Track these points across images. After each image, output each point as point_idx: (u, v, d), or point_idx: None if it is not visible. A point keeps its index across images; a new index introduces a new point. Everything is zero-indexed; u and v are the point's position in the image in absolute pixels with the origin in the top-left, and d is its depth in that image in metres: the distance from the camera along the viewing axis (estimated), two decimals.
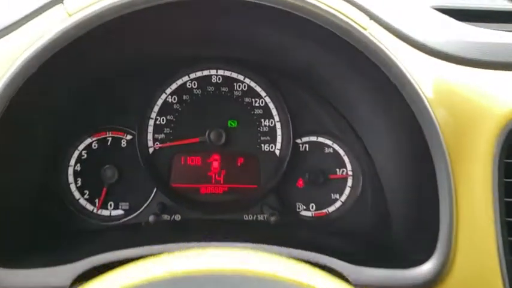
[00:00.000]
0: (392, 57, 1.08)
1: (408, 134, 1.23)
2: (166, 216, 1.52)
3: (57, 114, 1.38)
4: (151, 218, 1.34)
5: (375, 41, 1.06)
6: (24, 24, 1.07)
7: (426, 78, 1.16)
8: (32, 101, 1.16)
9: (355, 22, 1.05)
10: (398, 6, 1.36)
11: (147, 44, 1.35)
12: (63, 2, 1.07)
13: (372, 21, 1.12)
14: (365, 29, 1.06)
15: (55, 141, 1.45)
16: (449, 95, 1.19)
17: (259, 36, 1.35)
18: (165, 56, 1.52)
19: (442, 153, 1.13)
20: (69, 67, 1.19)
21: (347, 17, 1.04)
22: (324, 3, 1.03)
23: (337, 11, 1.02)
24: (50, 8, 1.05)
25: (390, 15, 1.20)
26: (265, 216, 1.50)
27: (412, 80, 1.09)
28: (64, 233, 1.47)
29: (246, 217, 1.55)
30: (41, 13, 1.06)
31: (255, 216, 1.55)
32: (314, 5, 1.02)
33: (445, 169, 1.13)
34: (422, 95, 1.11)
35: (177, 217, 1.53)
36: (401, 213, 1.37)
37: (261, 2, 1.04)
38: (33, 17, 1.06)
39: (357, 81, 1.29)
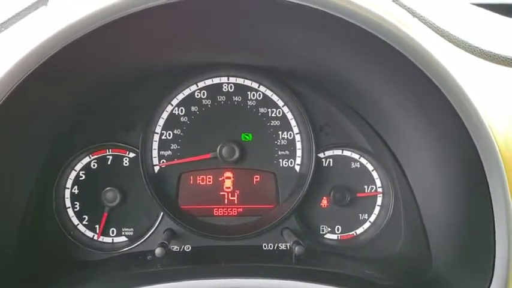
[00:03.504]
0: (438, 59, 0.91)
1: (455, 145, 1.06)
2: (175, 248, 1.35)
3: (52, 129, 1.22)
4: (158, 251, 1.17)
5: (419, 41, 0.89)
6: (9, 26, 0.91)
7: (475, 82, 1.00)
8: (22, 112, 1.01)
9: (397, 20, 0.87)
10: (438, 3, 1.19)
11: (151, 51, 1.18)
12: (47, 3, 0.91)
13: (415, 19, 0.95)
14: (408, 28, 0.89)
15: (49, 160, 1.28)
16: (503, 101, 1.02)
17: (278, 39, 1.17)
18: (170, 63, 1.35)
19: (499, 171, 0.97)
20: (63, 74, 1.03)
21: (389, 15, 0.86)
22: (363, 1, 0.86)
23: (378, 8, 0.85)
24: (35, 9, 0.89)
25: (432, 13, 1.03)
26: (288, 245, 1.32)
27: (461, 86, 0.92)
28: (61, 264, 1.31)
29: (265, 246, 1.38)
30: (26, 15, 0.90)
31: (275, 245, 1.38)
32: (350, 2, 0.85)
33: (501, 189, 0.97)
34: (473, 102, 0.94)
35: (187, 247, 1.36)
36: (444, 237, 1.20)
37: (298, 2, 0.87)
38: (18, 19, 0.90)
39: (394, 89, 1.12)
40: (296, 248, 1.21)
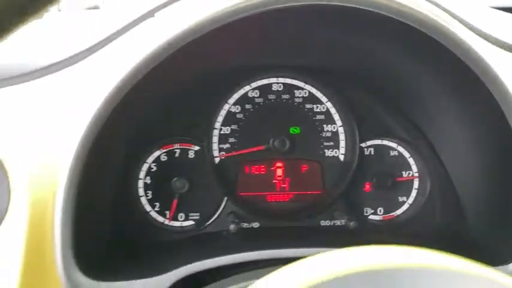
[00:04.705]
0: (483, 55, 1.08)
1: (489, 128, 1.23)
2: (245, 224, 1.52)
3: (134, 126, 1.39)
4: (232, 227, 1.35)
5: (464, 38, 1.07)
6: (118, 37, 1.09)
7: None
8: (118, 113, 1.17)
9: (445, 21, 1.05)
10: (462, 7, 1.37)
11: (220, 58, 1.36)
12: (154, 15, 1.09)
13: (455, 20, 1.13)
14: (454, 27, 1.07)
15: (127, 155, 1.45)
16: None
17: (324, 40, 1.35)
18: (230, 67, 1.53)
19: None
20: (153, 82, 1.19)
21: (435, 15, 1.04)
22: (412, 3, 1.04)
23: (428, 11, 1.03)
24: (142, 21, 1.07)
25: (466, 14, 1.21)
26: (342, 221, 1.49)
27: (503, 78, 1.09)
28: (138, 245, 1.47)
29: (323, 223, 1.55)
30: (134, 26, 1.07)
31: (332, 222, 1.55)
32: (403, 5, 1.03)
33: None
34: (508, 86, 1.11)
35: (256, 224, 1.53)
36: (481, 211, 1.37)
37: (347, 5, 1.04)
38: (127, 30, 1.08)
39: (432, 81, 1.30)
40: (351, 223, 1.38)
